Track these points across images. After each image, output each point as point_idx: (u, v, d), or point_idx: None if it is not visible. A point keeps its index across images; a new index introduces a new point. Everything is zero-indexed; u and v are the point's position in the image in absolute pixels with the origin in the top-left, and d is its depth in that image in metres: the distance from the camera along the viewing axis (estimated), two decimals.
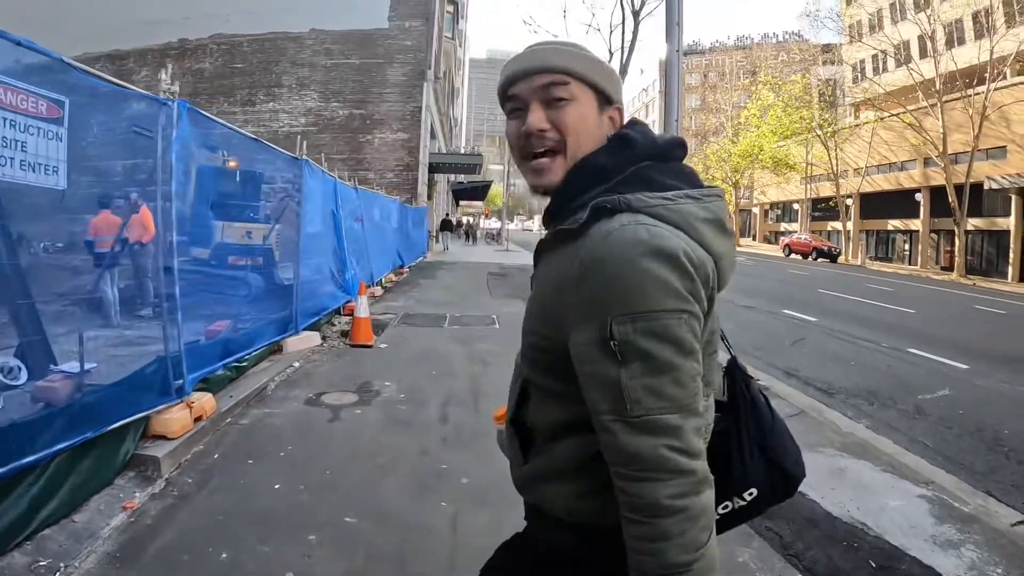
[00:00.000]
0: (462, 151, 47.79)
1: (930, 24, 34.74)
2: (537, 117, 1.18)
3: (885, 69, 43.87)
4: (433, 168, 30.48)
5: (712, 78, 77.74)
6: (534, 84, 1.19)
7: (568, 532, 1.21)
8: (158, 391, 4.37)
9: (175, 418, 4.37)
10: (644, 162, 1.17)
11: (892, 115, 37.89)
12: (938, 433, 6.01)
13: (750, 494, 1.28)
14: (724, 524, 1.28)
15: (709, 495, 1.04)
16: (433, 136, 31.44)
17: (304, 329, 7.78)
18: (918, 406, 6.90)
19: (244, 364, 6.09)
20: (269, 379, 6.15)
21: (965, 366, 9.10)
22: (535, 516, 1.31)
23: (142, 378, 4.28)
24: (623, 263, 1.01)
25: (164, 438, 4.26)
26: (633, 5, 15.94)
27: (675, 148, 1.23)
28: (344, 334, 8.56)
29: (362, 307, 8.15)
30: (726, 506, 1.27)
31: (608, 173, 1.16)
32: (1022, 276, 32.74)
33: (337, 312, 9.79)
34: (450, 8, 33.70)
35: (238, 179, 7.85)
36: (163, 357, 4.41)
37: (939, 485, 4.37)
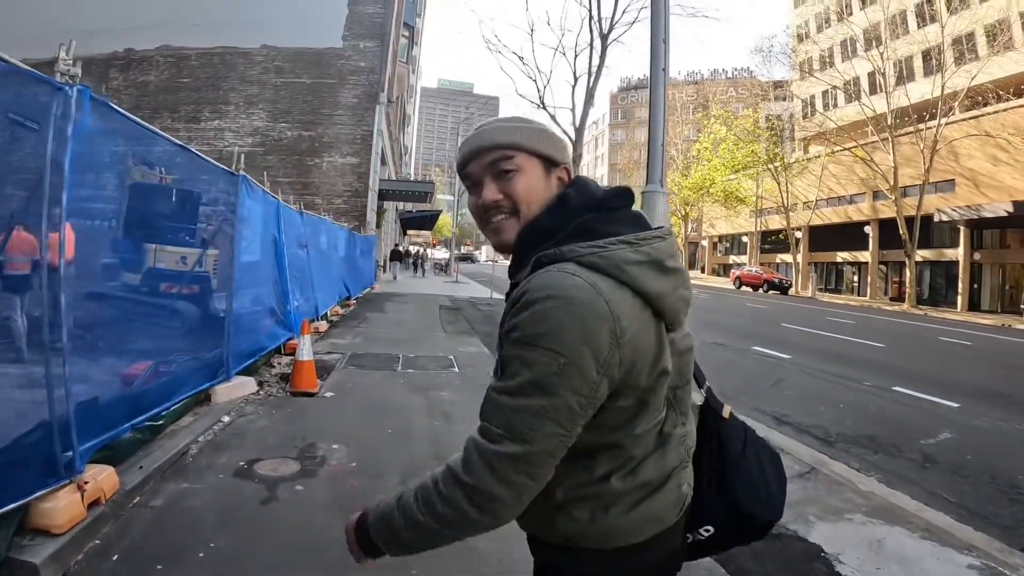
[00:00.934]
0: (412, 179, 46.54)
1: (883, 61, 35.67)
2: (490, 191, 1.35)
3: (835, 105, 45.36)
4: (383, 195, 29.48)
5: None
6: (484, 161, 1.35)
7: (573, 556, 1.30)
8: (39, 469, 3.32)
9: (61, 506, 3.32)
10: (584, 216, 1.27)
11: (844, 149, 38.98)
12: (954, 484, 5.57)
13: (707, 530, 1.43)
14: (691, 553, 1.47)
15: (471, 512, 1.16)
16: (383, 162, 30.50)
17: (237, 373, 6.72)
18: (925, 453, 6.45)
19: (160, 423, 5.03)
20: (192, 440, 5.08)
21: (955, 404, 8.76)
22: (538, 547, 1.39)
23: (17, 451, 3.22)
24: (534, 301, 1.13)
25: (47, 533, 3.22)
26: (601, 28, 15.44)
27: (616, 198, 1.33)
28: (284, 378, 7.51)
29: (305, 349, 7.09)
30: (687, 537, 1.43)
31: (551, 231, 1.28)
32: (970, 306, 34.70)
33: (278, 351, 8.72)
34: (405, 32, 32.96)
35: (172, 196, 6.78)
36: (47, 422, 3.35)
37: (982, 551, 3.94)
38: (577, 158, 12.91)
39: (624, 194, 1.34)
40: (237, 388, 6.55)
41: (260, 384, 7.12)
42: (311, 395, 6.90)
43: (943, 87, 32.50)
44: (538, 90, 16.40)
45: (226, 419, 5.81)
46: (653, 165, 6.63)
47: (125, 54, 26.62)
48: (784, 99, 53.45)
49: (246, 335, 7.16)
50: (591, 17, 15.31)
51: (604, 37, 15.66)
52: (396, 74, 31.31)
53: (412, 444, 5.47)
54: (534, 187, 1.33)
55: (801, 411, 7.92)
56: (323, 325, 11.88)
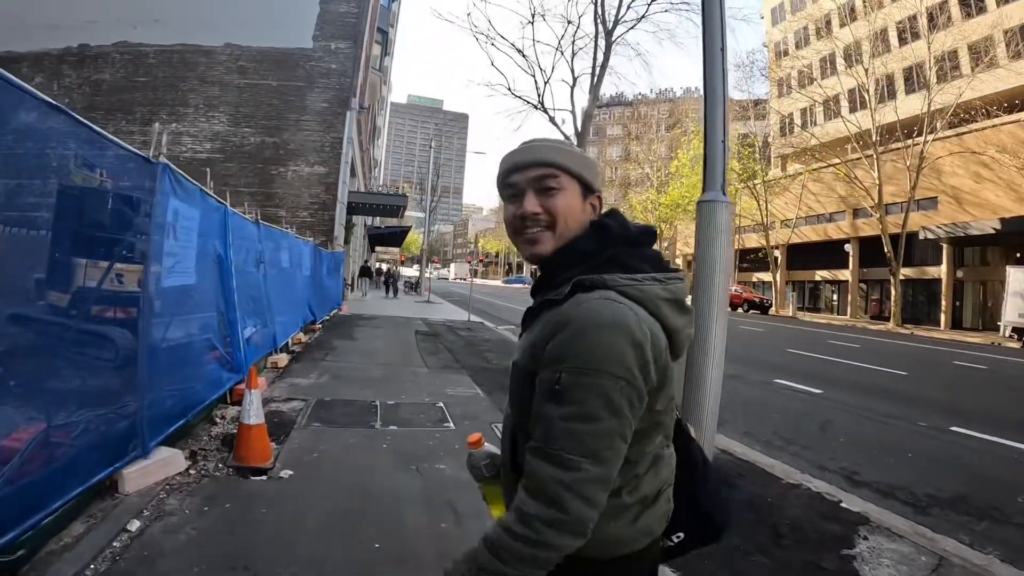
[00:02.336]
0: (383, 191, 44.31)
1: (866, 77, 35.47)
2: (531, 203, 1.43)
3: (814, 122, 45.36)
4: (352, 208, 27.49)
5: (635, 129, 77.98)
6: (529, 175, 1.44)
7: (573, 566, 1.31)
8: None
9: None
10: (619, 247, 1.40)
11: (828, 166, 39.21)
12: None
13: (678, 536, 1.56)
14: (665, 555, 1.58)
15: (566, 541, 1.21)
16: (353, 173, 28.55)
17: (160, 443, 4.76)
18: None
19: (20, 553, 3.09)
20: (73, 574, 3.15)
21: None
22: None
23: None
24: (587, 327, 1.23)
25: None
26: (606, 24, 13.75)
27: (645, 236, 1.47)
28: (228, 442, 5.55)
29: (252, 408, 5.10)
30: (661, 542, 1.53)
31: (589, 255, 1.40)
32: (953, 323, 35.47)
33: (222, 399, 6.73)
34: (379, 38, 31.17)
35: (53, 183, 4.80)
36: None
37: None
38: None
39: (651, 233, 1.49)
40: (157, 468, 4.59)
41: (193, 456, 5.16)
42: (263, 472, 4.94)
43: (930, 103, 32.44)
44: (537, 88, 14.75)
45: (135, 526, 3.85)
46: (712, 169, 5.81)
47: (79, 50, 24.62)
48: (762, 118, 52.90)
49: (172, 387, 5.17)
50: (596, 12, 13.79)
51: (609, 33, 14.00)
52: (368, 81, 29.48)
53: (414, 569, 3.57)
54: (572, 207, 1.43)
55: (870, 465, 6.81)
56: (283, 359, 9.89)
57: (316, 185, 24.02)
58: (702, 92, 6.00)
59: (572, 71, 14.57)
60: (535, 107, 13.63)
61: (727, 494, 1.83)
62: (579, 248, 1.41)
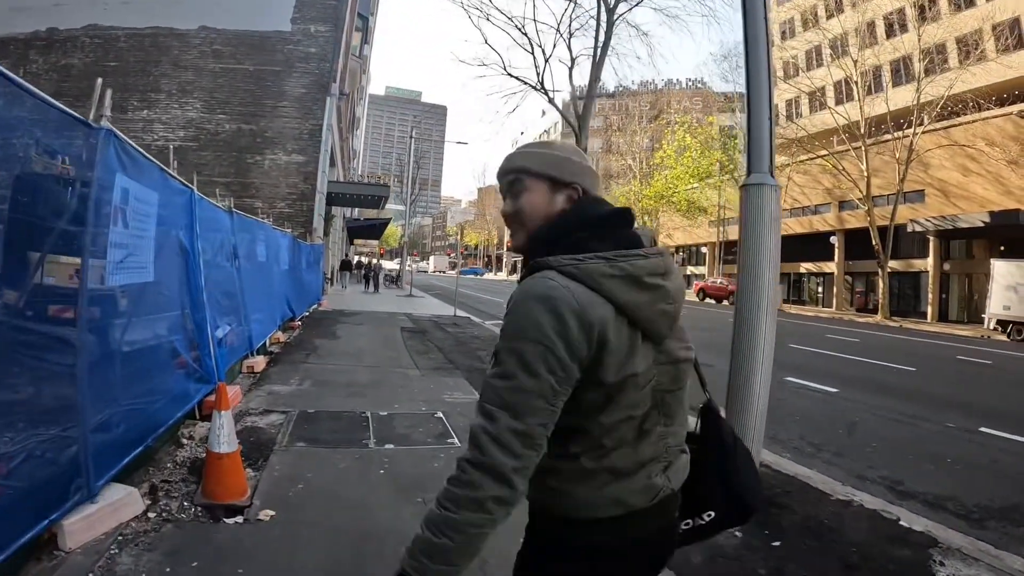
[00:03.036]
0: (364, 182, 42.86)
1: (855, 69, 35.10)
2: (505, 205, 1.63)
3: (799, 114, 45.16)
4: (332, 199, 26.44)
5: (616, 121, 77.27)
6: (503, 181, 1.64)
7: (545, 522, 1.53)
8: None
9: None
10: (581, 232, 1.49)
11: (816, 157, 38.49)
12: None
13: (708, 515, 1.67)
14: (685, 538, 1.68)
15: (488, 484, 1.30)
16: (332, 163, 27.50)
17: (110, 481, 3.85)
18: None
19: None
20: None
21: None
22: (530, 512, 1.58)
23: None
24: (518, 302, 1.37)
25: None
26: (607, 2, 12.82)
27: (610, 217, 1.54)
28: (196, 469, 4.64)
29: (223, 434, 4.17)
30: (687, 523, 1.67)
31: (550, 241, 1.49)
32: (940, 316, 35.64)
33: (190, 414, 5.79)
34: (359, 24, 30.10)
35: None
36: None
37: None
38: (583, 150, 10.21)
39: (620, 214, 1.56)
40: (107, 514, 3.66)
41: (153, 492, 4.24)
42: (238, 511, 4.03)
43: (919, 96, 31.97)
44: (536, 67, 13.77)
45: None
46: (758, 149, 5.18)
47: (48, 34, 23.48)
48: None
49: (126, 407, 4.22)
50: None
51: (611, 11, 13.12)
52: (348, 68, 28.41)
53: None
54: (536, 203, 1.56)
55: (910, 473, 6.38)
56: (260, 362, 8.91)
57: (294, 174, 23.00)
58: (743, 67, 5.57)
59: (570, 51, 13.57)
60: (534, 88, 12.70)
61: (755, 473, 1.82)
62: (539, 237, 1.54)
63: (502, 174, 1.64)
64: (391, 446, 5.67)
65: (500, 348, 1.37)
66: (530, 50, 12.99)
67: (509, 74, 13.43)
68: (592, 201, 1.58)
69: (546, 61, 13.45)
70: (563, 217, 1.54)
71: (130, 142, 4.11)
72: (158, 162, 4.86)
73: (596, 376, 1.38)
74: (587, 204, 1.57)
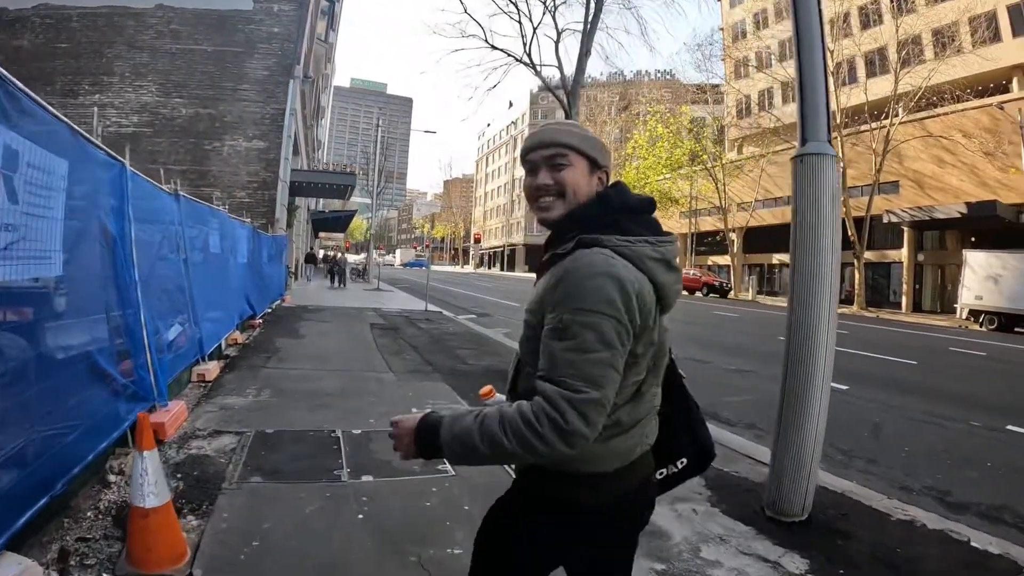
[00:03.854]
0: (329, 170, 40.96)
1: (831, 59, 34.22)
2: (544, 176, 1.68)
3: (771, 104, 45.25)
4: (295, 189, 25.13)
5: (585, 112, 76.93)
6: (544, 153, 1.69)
7: (550, 480, 1.61)
8: None
9: None
10: (618, 214, 1.62)
11: (792, 146, 36.78)
12: None
13: (681, 463, 1.89)
14: (664, 485, 1.88)
15: (556, 444, 1.40)
16: (296, 151, 26.19)
17: (3, 547, 2.78)
18: None
19: None
20: None
21: None
22: (523, 469, 1.71)
23: None
24: (584, 276, 1.46)
25: None
26: None
27: (643, 205, 1.69)
28: (122, 521, 3.55)
29: (148, 482, 3.04)
30: (661, 472, 1.86)
31: (591, 220, 1.61)
32: (915, 307, 36.34)
33: (124, 440, 4.67)
34: (325, 7, 28.76)
35: None
36: None
37: None
38: None
39: (650, 203, 1.71)
40: None
41: (62, 560, 3.15)
42: None
43: (896, 87, 32.11)
44: (523, 37, 12.68)
45: None
46: (814, 115, 4.40)
47: None
48: (719, 102, 52.12)
49: (22, 444, 3.13)
50: None
51: None
52: (313, 53, 27.10)
53: None
54: (579, 180, 1.67)
55: (954, 481, 5.95)
56: (212, 369, 7.74)
57: (255, 161, 21.67)
58: (792, 29, 4.58)
59: (556, 23, 12.46)
60: (518, 60, 11.65)
61: (706, 428, 1.96)
62: (583, 213, 1.64)
63: (540, 146, 1.69)
64: (369, 478, 4.61)
65: (570, 321, 1.44)
66: (516, 18, 11.91)
67: (492, 45, 12.34)
68: (623, 187, 1.73)
69: (534, 30, 12.32)
70: (607, 199, 1.66)
71: (21, 86, 3.02)
72: (70, 121, 3.75)
73: (632, 346, 1.51)
74: (623, 190, 1.72)
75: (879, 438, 7.43)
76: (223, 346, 9.43)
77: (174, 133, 21.85)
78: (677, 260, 1.66)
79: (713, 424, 7.23)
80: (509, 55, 11.91)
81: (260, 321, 13.42)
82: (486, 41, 12.39)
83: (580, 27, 11.87)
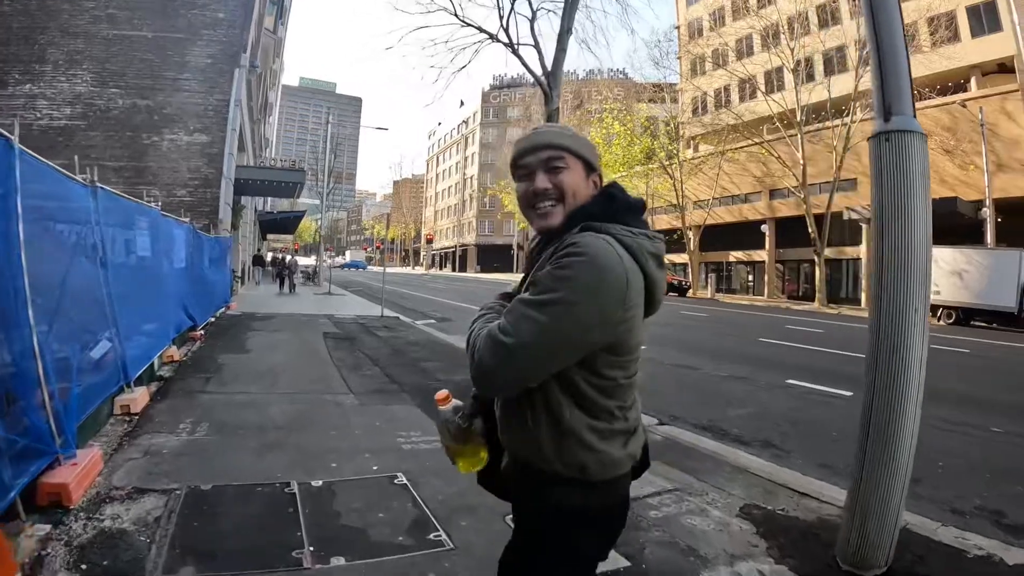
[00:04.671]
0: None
1: (793, 58, 35.81)
2: (541, 180, 1.69)
3: (727, 102, 45.44)
4: (241, 187, 23.60)
5: (537, 111, 76.53)
6: (540, 156, 1.70)
7: (564, 484, 1.62)
8: None
9: None
10: (622, 211, 1.65)
11: (753, 144, 39.00)
12: None
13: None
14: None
15: (485, 362, 1.54)
16: (242, 148, 24.68)
17: None
18: None
19: None
20: None
21: None
22: (531, 476, 1.68)
23: None
24: (578, 252, 1.48)
25: None
26: None
27: (642, 204, 1.72)
28: None
29: None
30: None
31: (596, 217, 1.62)
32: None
33: (14, 511, 3.42)
34: None
35: None
36: None
37: None
38: (554, 112, 8.29)
39: (644, 204, 1.74)
40: None
41: None
42: None
43: (857, 84, 32.60)
44: (499, 10, 11.51)
45: None
46: (895, 84, 3.61)
47: None
48: (675, 100, 52.03)
49: None
50: None
51: None
52: (261, 44, 25.59)
53: None
54: (578, 183, 1.69)
55: (1004, 499, 5.32)
56: (139, 397, 6.44)
57: (197, 156, 20.21)
58: None
59: (531, 3, 11.34)
60: (494, 39, 10.50)
61: None
62: (588, 211, 1.65)
63: (536, 149, 1.70)
64: (340, 560, 3.43)
65: (543, 279, 1.51)
66: None
67: (464, 21, 11.13)
68: (621, 187, 1.74)
69: (512, 5, 11.13)
70: (612, 197, 1.69)
71: None
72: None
73: (627, 339, 1.57)
74: (620, 191, 1.72)
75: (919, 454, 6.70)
76: (156, 366, 8.13)
77: (109, 126, 20.38)
78: (664, 257, 1.68)
79: (725, 443, 6.57)
80: (482, 31, 10.76)
81: (202, 333, 12.05)
82: (456, 15, 11.22)
83: (554, 7, 10.79)
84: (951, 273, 25.93)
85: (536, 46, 10.01)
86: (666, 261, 1.70)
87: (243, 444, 5.46)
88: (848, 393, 9.44)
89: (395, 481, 4.72)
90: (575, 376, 1.56)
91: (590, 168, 1.72)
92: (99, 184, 5.84)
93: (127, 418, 6.01)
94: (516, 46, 10.27)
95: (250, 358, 10.19)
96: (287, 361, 10.05)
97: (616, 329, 1.52)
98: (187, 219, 12.08)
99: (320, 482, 4.60)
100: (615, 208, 1.64)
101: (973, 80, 34.82)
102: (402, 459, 5.26)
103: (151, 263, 8.45)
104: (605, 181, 1.74)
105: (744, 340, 16.89)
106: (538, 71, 9.72)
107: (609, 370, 1.57)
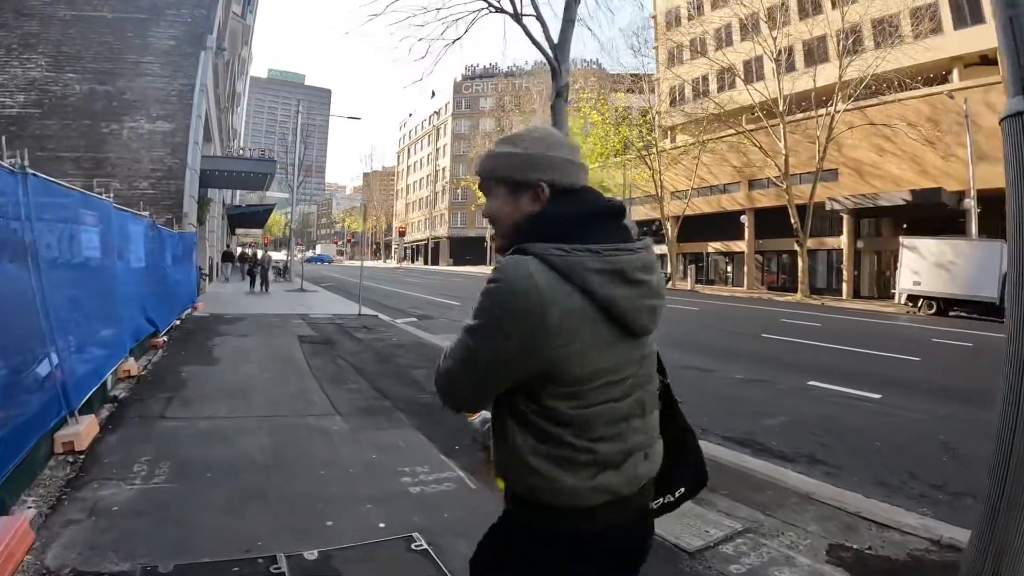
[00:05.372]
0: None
1: (774, 46, 35.47)
2: (483, 209, 1.69)
3: (705, 92, 45.11)
4: (207, 179, 22.27)
5: (509, 102, 75.76)
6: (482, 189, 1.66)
7: (529, 509, 1.52)
8: None
9: None
10: (559, 227, 1.48)
11: (736, 133, 38.98)
12: None
13: (680, 492, 1.79)
14: (657, 513, 1.75)
15: (440, 388, 1.55)
16: (208, 138, 23.35)
17: None
18: None
19: None
20: None
21: None
22: (509, 497, 1.61)
23: None
24: (492, 279, 1.41)
25: None
26: None
27: (600, 213, 1.54)
28: None
29: None
30: (658, 502, 1.75)
31: (526, 236, 1.48)
32: (855, 293, 36.67)
33: None
34: None
35: None
36: None
37: None
38: (563, 88, 7.24)
39: (611, 208, 1.56)
40: None
41: None
42: None
43: (840, 75, 32.49)
44: None
45: None
46: None
47: None
48: (652, 91, 51.41)
49: None
50: None
51: None
52: (229, 28, 24.25)
53: None
54: (501, 209, 1.59)
55: None
56: (87, 430, 5.26)
57: (160, 146, 18.93)
58: None
59: None
60: (496, 8, 9.41)
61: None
62: (523, 231, 1.52)
63: (477, 174, 1.65)
64: None
65: (475, 312, 1.44)
66: None
67: None
68: (566, 198, 1.54)
69: None
70: (541, 216, 1.53)
71: None
72: None
73: (565, 367, 1.41)
74: (561, 204, 1.54)
75: (957, 461, 6.31)
76: (110, 384, 6.99)
77: (66, 114, 19.08)
78: (643, 271, 1.50)
79: (767, 459, 5.98)
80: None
81: (164, 340, 10.88)
82: None
83: None
84: (936, 264, 26.14)
85: (538, 16, 9.00)
86: (643, 275, 1.50)
87: (212, 494, 4.38)
88: (875, 395, 9.05)
89: (413, 547, 3.69)
90: (517, 401, 1.49)
91: (520, 186, 1.57)
92: (31, 170, 4.70)
93: (70, 459, 4.89)
94: (520, 15, 9.22)
95: (218, 370, 9.05)
96: (260, 373, 8.92)
97: (547, 356, 1.39)
98: (147, 213, 10.85)
99: (315, 553, 3.56)
100: (544, 225, 1.52)
101: (956, 72, 34.75)
102: (413, 508, 4.25)
103: (102, 264, 7.27)
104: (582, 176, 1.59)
105: (745, 336, 16.47)
106: (544, 46, 8.74)
107: (551, 400, 1.45)
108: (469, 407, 1.61)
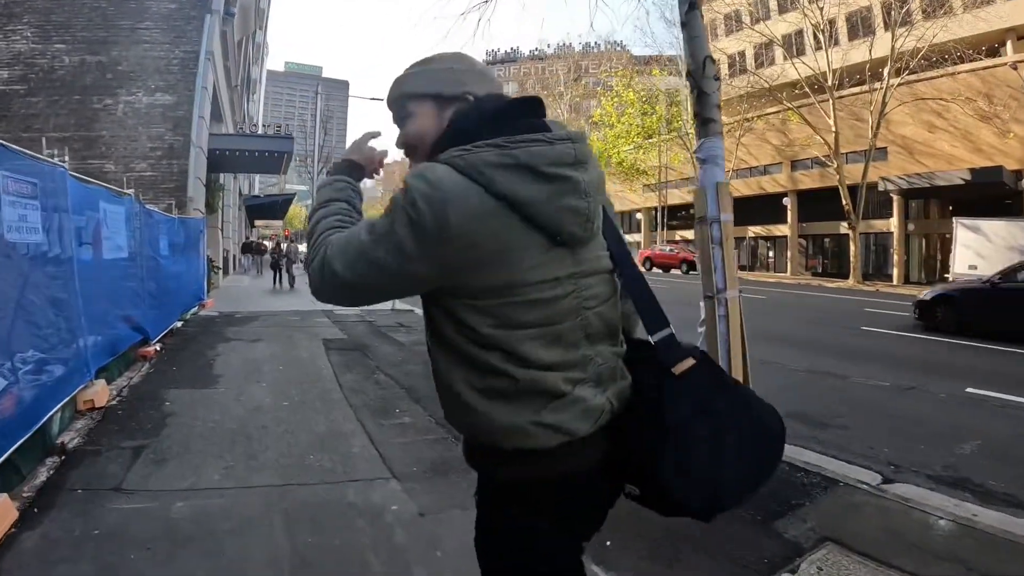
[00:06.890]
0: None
1: (822, 18, 33.18)
2: (398, 139, 1.56)
3: (743, 69, 43.19)
4: (218, 162, 20.14)
5: (531, 86, 74.44)
6: (392, 115, 1.56)
7: (479, 450, 1.41)
8: None
9: None
10: (457, 137, 1.35)
11: (782, 110, 37.04)
12: None
13: (632, 489, 1.44)
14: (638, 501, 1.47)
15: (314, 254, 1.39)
16: (219, 118, 21.22)
17: None
18: None
19: None
20: None
21: None
22: (467, 453, 1.49)
23: None
24: (403, 187, 1.26)
25: None
26: None
27: (517, 107, 1.42)
28: None
29: None
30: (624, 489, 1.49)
31: (440, 149, 1.34)
32: (906, 278, 34.78)
33: None
34: None
35: None
36: None
37: None
38: None
39: (524, 103, 1.43)
40: None
41: None
42: None
43: (893, 45, 30.31)
44: None
45: None
46: None
47: None
48: (680, 73, 49.24)
49: None
50: None
51: None
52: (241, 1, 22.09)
53: None
54: (424, 127, 1.47)
55: None
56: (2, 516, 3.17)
57: (159, 121, 16.89)
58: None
59: None
60: None
61: (748, 468, 1.38)
62: (437, 149, 1.37)
63: (388, 105, 1.57)
64: None
65: (381, 215, 1.33)
66: None
67: None
68: (487, 99, 1.45)
69: None
70: (454, 121, 1.42)
71: None
72: None
73: (465, 276, 1.28)
74: (481, 101, 1.43)
75: None
76: (58, 426, 4.81)
77: (54, 89, 17.16)
78: (561, 166, 1.30)
79: (996, 507, 4.19)
80: None
81: (156, 348, 8.73)
82: None
83: None
84: (1008, 248, 24.06)
85: None
86: (560, 169, 1.29)
87: None
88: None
89: None
90: (443, 326, 1.35)
91: (444, 100, 1.46)
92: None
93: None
94: None
95: (216, 397, 6.77)
96: (273, 400, 6.66)
97: (447, 263, 1.25)
98: (131, 191, 8.61)
99: None
100: (449, 136, 1.37)
101: (1009, 43, 32.87)
102: None
103: (46, 254, 5.04)
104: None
105: (839, 328, 14.69)
106: None
107: (468, 315, 1.30)
108: (344, 302, 1.38)
